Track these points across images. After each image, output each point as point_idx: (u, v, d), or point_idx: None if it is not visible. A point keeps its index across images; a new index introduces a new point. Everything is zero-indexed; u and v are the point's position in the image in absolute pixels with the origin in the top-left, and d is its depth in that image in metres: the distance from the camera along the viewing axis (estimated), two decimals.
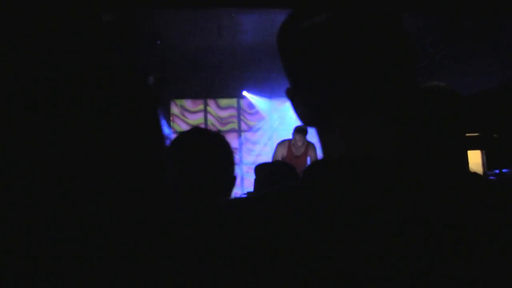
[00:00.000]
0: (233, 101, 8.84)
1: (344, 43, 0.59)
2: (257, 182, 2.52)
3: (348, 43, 0.59)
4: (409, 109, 0.59)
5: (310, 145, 6.07)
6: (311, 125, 0.65)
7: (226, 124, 8.79)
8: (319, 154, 0.67)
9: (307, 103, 0.63)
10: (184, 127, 8.40)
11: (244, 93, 8.70)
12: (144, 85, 0.51)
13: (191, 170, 1.32)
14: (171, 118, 8.50)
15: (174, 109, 8.62)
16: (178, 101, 8.59)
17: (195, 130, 1.49)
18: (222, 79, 8.45)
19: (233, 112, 8.87)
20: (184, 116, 8.65)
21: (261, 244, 0.53)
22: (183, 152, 1.34)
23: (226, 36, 7.12)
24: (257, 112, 8.86)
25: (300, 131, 5.99)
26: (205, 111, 8.72)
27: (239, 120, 8.85)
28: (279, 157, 5.98)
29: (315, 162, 0.63)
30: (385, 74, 0.59)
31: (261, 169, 2.54)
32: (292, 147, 6.05)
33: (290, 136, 6.18)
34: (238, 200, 0.63)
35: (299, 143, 6.03)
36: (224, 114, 8.84)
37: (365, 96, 0.59)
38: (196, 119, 8.66)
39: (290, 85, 0.66)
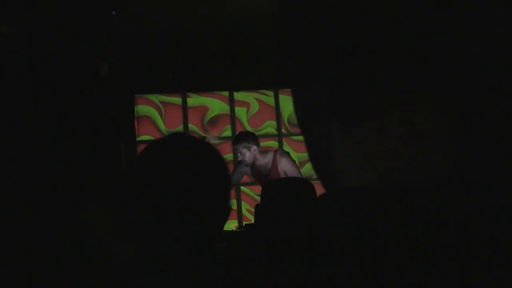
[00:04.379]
0: (222, 96, 6.59)
1: None
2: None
3: None
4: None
5: (275, 155, 4.61)
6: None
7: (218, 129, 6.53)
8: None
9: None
10: (156, 134, 6.15)
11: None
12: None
13: (165, 193, 1.08)
14: (135, 122, 6.24)
15: (141, 108, 6.34)
16: (149, 97, 6.33)
17: (173, 137, 1.37)
18: (208, 66, 6.20)
19: (225, 111, 6.62)
20: (154, 117, 6.37)
21: None
22: (155, 168, 1.11)
23: (213, 3, 5.27)
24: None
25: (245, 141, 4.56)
26: (184, 109, 6.44)
27: (233, 123, 6.57)
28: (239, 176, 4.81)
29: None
30: None
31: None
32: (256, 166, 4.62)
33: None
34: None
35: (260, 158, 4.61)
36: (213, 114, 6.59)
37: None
38: (171, 122, 6.40)
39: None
